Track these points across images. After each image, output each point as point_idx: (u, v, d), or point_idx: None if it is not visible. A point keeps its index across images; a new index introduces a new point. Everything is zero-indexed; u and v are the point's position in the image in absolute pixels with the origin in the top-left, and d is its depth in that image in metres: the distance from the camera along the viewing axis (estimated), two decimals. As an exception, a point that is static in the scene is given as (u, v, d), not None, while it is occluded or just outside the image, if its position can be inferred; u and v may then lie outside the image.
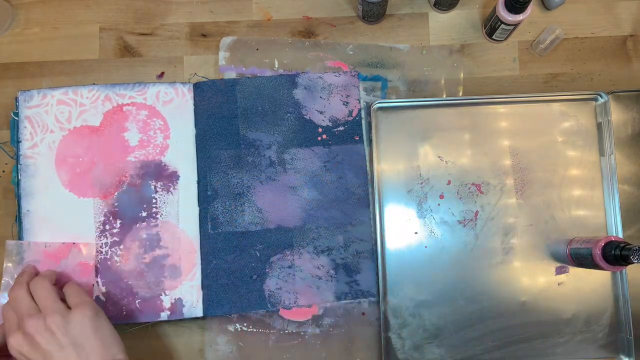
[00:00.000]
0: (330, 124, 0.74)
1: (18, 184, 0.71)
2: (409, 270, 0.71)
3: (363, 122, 0.74)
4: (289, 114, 0.74)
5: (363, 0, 0.70)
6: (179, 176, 0.72)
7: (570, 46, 0.77)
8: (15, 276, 0.67)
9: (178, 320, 0.71)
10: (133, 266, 0.70)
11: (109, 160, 0.72)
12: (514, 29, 0.72)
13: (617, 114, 0.73)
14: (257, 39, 0.76)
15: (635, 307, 0.70)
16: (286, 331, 0.71)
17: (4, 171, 0.74)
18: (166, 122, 0.73)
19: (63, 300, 0.62)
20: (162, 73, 0.76)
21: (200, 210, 0.72)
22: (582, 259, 0.66)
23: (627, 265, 0.62)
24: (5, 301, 0.64)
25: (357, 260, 0.71)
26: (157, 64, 0.76)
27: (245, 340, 0.71)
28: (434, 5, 0.76)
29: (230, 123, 0.73)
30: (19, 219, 0.71)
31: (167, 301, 0.70)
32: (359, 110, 0.74)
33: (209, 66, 0.76)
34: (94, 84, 0.74)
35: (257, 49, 0.76)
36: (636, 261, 0.59)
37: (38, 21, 0.77)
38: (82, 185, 0.71)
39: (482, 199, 0.72)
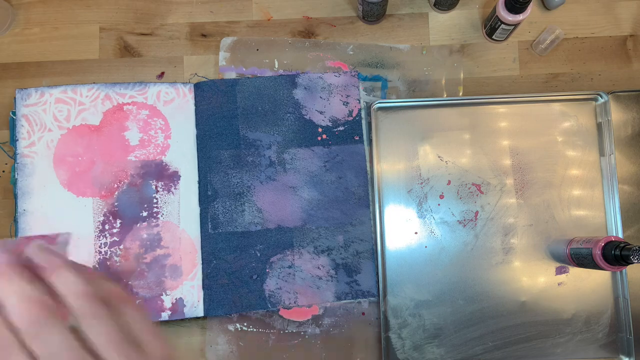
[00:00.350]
0: (330, 124, 0.74)
1: (15, 183, 0.71)
2: (409, 270, 0.71)
3: (363, 122, 0.74)
4: (289, 114, 0.74)
5: (363, 0, 0.70)
6: (180, 176, 0.72)
7: (570, 46, 0.77)
8: None
9: (178, 320, 0.71)
10: (133, 266, 0.70)
11: (109, 160, 0.72)
12: (514, 29, 0.72)
13: (617, 114, 0.73)
14: (257, 39, 0.76)
15: (635, 307, 0.70)
16: (286, 331, 0.71)
17: (3, 171, 0.74)
18: (167, 122, 0.73)
19: None
20: (162, 73, 0.76)
21: (200, 210, 0.72)
22: (582, 259, 0.66)
23: (627, 265, 0.62)
24: None
25: (357, 260, 0.71)
26: (157, 64, 0.76)
27: (246, 340, 0.71)
28: (434, 5, 0.76)
29: (230, 123, 0.73)
30: (15, 219, 0.71)
31: (168, 301, 0.70)
32: (359, 110, 0.74)
33: (209, 66, 0.76)
34: (94, 83, 0.74)
35: (257, 49, 0.76)
36: (636, 261, 0.59)
37: (38, 21, 0.76)
38: (81, 184, 0.71)
39: (482, 199, 0.72)
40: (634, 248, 0.59)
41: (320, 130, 0.73)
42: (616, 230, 0.71)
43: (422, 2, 0.77)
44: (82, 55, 0.76)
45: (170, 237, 0.71)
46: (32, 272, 0.33)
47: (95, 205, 0.71)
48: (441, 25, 0.77)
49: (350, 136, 0.73)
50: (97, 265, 0.70)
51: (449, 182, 0.73)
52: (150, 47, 0.76)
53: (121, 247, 0.71)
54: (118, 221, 0.71)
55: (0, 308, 0.31)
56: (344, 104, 0.74)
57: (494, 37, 0.75)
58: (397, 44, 0.76)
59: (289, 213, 0.72)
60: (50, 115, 0.72)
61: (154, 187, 0.72)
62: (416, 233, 0.72)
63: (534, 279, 0.71)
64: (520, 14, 0.69)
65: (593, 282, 0.71)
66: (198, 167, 0.72)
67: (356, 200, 0.72)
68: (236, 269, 0.71)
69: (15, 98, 0.72)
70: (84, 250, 0.70)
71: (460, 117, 0.73)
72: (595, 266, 0.64)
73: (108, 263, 0.70)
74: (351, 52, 0.76)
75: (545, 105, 0.74)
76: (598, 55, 0.77)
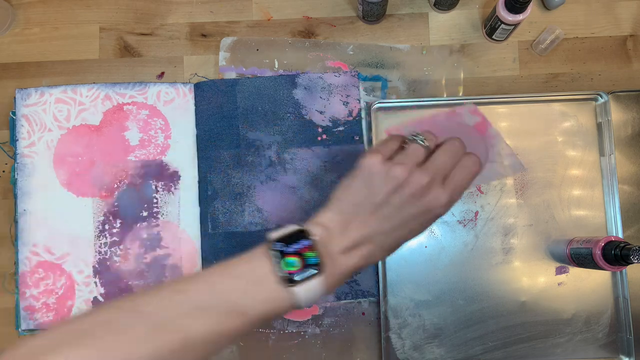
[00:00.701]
0: (330, 124, 0.74)
1: (15, 183, 0.71)
2: (409, 270, 0.71)
3: (363, 122, 0.74)
4: (289, 114, 0.74)
5: (363, 0, 0.70)
6: (180, 176, 0.72)
7: (570, 46, 0.77)
8: None
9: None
10: (133, 266, 0.70)
11: (109, 160, 0.72)
12: (514, 29, 0.72)
13: (617, 114, 0.73)
14: (257, 39, 0.76)
15: (635, 307, 0.70)
16: (286, 331, 0.71)
17: (3, 171, 0.74)
18: (167, 122, 0.73)
19: None
20: (162, 73, 0.76)
21: (200, 210, 0.72)
22: (582, 259, 0.66)
23: (627, 265, 0.62)
24: None
25: (357, 260, 0.71)
26: (157, 64, 0.76)
27: (245, 339, 0.71)
28: (434, 5, 0.76)
29: (230, 123, 0.73)
30: (15, 219, 0.71)
31: (167, 301, 0.70)
32: (359, 110, 0.74)
33: (209, 66, 0.76)
34: (93, 83, 0.74)
35: (257, 49, 0.76)
36: (636, 261, 0.59)
37: (38, 21, 0.76)
38: (81, 184, 0.71)
39: (482, 199, 0.72)
40: (634, 248, 0.59)
41: (320, 130, 0.73)
42: (616, 230, 0.71)
43: (422, 2, 0.77)
44: (82, 55, 0.76)
45: (170, 237, 0.71)
46: None
47: (95, 205, 0.71)
48: (441, 25, 0.77)
49: (350, 136, 0.73)
50: (97, 266, 0.70)
51: (449, 182, 0.72)
52: (150, 47, 0.76)
53: (121, 247, 0.71)
54: (118, 221, 0.71)
55: None
56: (344, 104, 0.74)
57: (494, 37, 0.75)
58: (397, 44, 0.76)
59: (289, 213, 0.72)
60: (50, 115, 0.72)
61: (154, 187, 0.72)
62: (416, 233, 0.72)
63: (534, 279, 0.71)
64: (520, 14, 0.69)
65: (593, 282, 0.71)
66: (198, 167, 0.72)
67: (356, 200, 0.72)
68: (236, 269, 0.71)
69: (15, 98, 0.72)
70: (84, 250, 0.70)
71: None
72: (595, 266, 0.64)
73: (108, 263, 0.70)
74: (351, 52, 0.76)
75: (545, 105, 0.74)
76: (598, 55, 0.77)
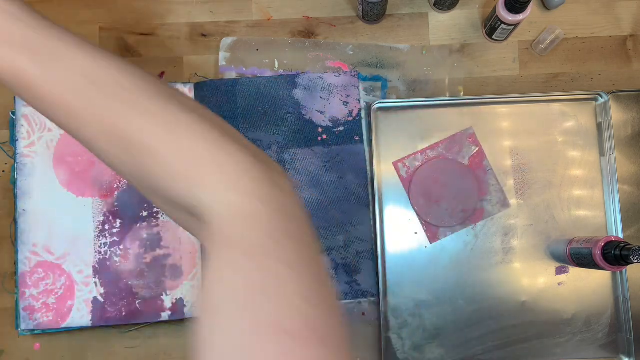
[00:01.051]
0: (330, 124, 0.74)
1: (15, 183, 0.71)
2: (409, 270, 0.71)
3: (363, 122, 0.74)
4: (289, 114, 0.73)
5: (363, 0, 0.70)
6: (179, 176, 0.72)
7: (570, 46, 0.77)
8: None
9: (178, 320, 0.71)
10: (133, 266, 0.70)
11: (108, 160, 0.72)
12: (514, 29, 0.72)
13: (617, 114, 0.73)
14: (257, 39, 0.76)
15: (635, 307, 0.70)
16: (286, 331, 0.71)
17: (3, 171, 0.74)
18: (166, 122, 0.73)
19: None
20: (162, 73, 0.76)
21: (200, 210, 0.72)
22: (582, 259, 0.66)
23: (627, 265, 0.62)
24: None
25: (357, 260, 0.71)
26: (157, 64, 0.76)
27: (246, 340, 0.71)
28: (434, 5, 0.76)
29: (230, 123, 0.72)
30: (15, 219, 0.70)
31: (168, 301, 0.70)
32: (359, 110, 0.74)
33: (209, 66, 0.76)
34: (93, 83, 0.74)
35: (257, 49, 0.76)
36: (636, 261, 0.59)
37: (38, 21, 0.76)
38: (81, 184, 0.71)
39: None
40: (634, 248, 0.59)
41: (320, 130, 0.73)
42: (616, 230, 0.71)
43: (422, 2, 0.77)
44: (82, 55, 0.76)
45: (170, 237, 0.71)
46: None
47: (95, 205, 0.71)
48: (441, 25, 0.77)
49: (350, 136, 0.73)
50: (97, 266, 0.70)
51: (449, 182, 0.73)
52: (150, 47, 0.76)
53: (121, 247, 0.71)
54: (118, 221, 0.71)
55: None
56: (344, 104, 0.74)
57: (494, 37, 0.75)
58: (397, 44, 0.76)
59: (289, 213, 0.72)
60: (50, 115, 0.72)
61: (154, 187, 0.72)
62: (416, 233, 0.72)
63: (534, 279, 0.71)
64: (520, 14, 0.69)
65: (593, 282, 0.71)
66: (198, 167, 0.72)
67: (356, 201, 0.72)
68: (236, 269, 0.70)
69: (15, 98, 0.72)
70: (84, 250, 0.70)
71: (460, 117, 0.73)
72: (595, 266, 0.64)
73: (108, 263, 0.70)
74: (351, 52, 0.76)
75: (546, 105, 0.74)
76: (598, 55, 0.77)
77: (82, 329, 0.71)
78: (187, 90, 0.74)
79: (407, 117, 0.73)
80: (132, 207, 0.71)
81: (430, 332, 0.70)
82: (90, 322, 0.69)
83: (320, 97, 0.74)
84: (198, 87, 0.74)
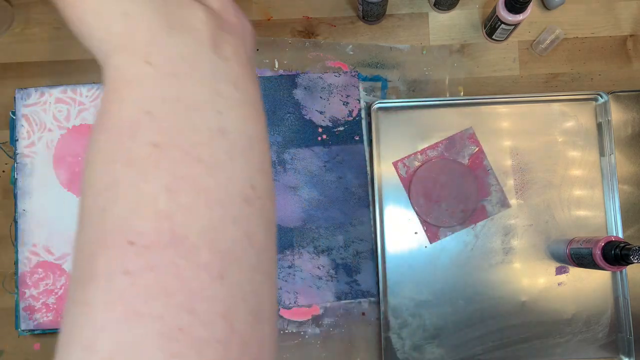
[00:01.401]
0: (330, 124, 0.74)
1: (15, 183, 0.71)
2: (409, 270, 0.71)
3: (363, 122, 0.74)
4: (289, 114, 0.73)
5: (363, 0, 0.70)
6: (179, 176, 0.72)
7: (570, 46, 0.77)
8: None
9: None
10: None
11: (108, 160, 0.72)
12: (514, 29, 0.72)
13: (617, 114, 0.73)
14: (257, 39, 0.76)
15: (635, 307, 0.70)
16: (286, 331, 0.71)
17: (3, 171, 0.74)
18: (166, 122, 0.73)
19: None
20: (162, 73, 0.76)
21: (200, 210, 0.72)
22: (582, 259, 0.66)
23: (627, 265, 0.62)
24: None
25: (357, 260, 0.71)
26: (157, 63, 0.76)
27: (245, 340, 0.71)
28: (434, 5, 0.76)
29: (230, 123, 0.73)
30: (15, 219, 0.70)
31: (167, 301, 0.70)
32: (359, 110, 0.74)
33: (209, 66, 0.76)
34: (94, 83, 0.74)
35: (257, 50, 0.76)
36: (636, 261, 0.59)
37: (38, 21, 0.76)
38: (82, 185, 0.71)
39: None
40: (634, 248, 0.59)
41: (320, 130, 0.73)
42: (616, 230, 0.71)
43: (422, 2, 0.77)
44: (82, 55, 0.76)
45: (170, 237, 0.71)
46: None
47: (95, 205, 0.71)
48: (441, 25, 0.77)
49: (350, 136, 0.73)
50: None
51: (449, 182, 0.73)
52: (150, 47, 0.76)
53: (121, 247, 0.71)
54: (118, 221, 0.71)
55: None
56: (344, 104, 0.74)
57: (494, 37, 0.75)
58: (397, 44, 0.76)
59: (289, 213, 0.72)
60: (50, 115, 0.72)
61: (154, 187, 0.72)
62: (416, 233, 0.72)
63: (534, 279, 0.71)
64: (520, 14, 0.69)
65: (593, 282, 0.71)
66: (198, 167, 0.72)
67: (356, 200, 0.72)
68: (236, 269, 0.70)
69: (15, 98, 0.72)
70: (84, 250, 0.70)
71: (460, 117, 0.73)
72: (595, 266, 0.64)
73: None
74: (351, 52, 0.76)
75: (546, 105, 0.74)
76: (598, 55, 0.77)
77: (82, 329, 0.71)
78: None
79: (407, 117, 0.73)
80: (132, 207, 0.71)
81: (430, 332, 0.70)
82: (90, 322, 0.69)
83: (320, 97, 0.74)
84: (198, 87, 0.74)
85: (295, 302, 0.70)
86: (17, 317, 0.70)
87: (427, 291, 0.71)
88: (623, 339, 0.70)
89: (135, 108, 0.26)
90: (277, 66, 0.75)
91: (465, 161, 0.72)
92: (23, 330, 0.69)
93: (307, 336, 0.71)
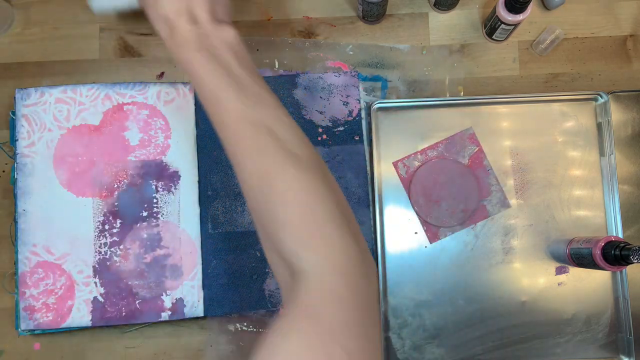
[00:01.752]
0: (330, 124, 0.74)
1: (15, 183, 0.71)
2: (409, 270, 0.71)
3: (363, 122, 0.74)
4: (289, 114, 0.73)
5: (363, 0, 0.70)
6: (180, 176, 0.72)
7: (570, 46, 0.77)
8: None
9: (178, 320, 0.71)
10: (133, 266, 0.70)
11: (109, 160, 0.72)
12: (514, 29, 0.72)
13: (617, 114, 0.73)
14: (257, 39, 0.76)
15: (635, 307, 0.70)
16: (286, 331, 0.71)
17: (4, 171, 0.74)
18: (167, 122, 0.73)
19: None
20: (162, 73, 0.76)
21: (200, 210, 0.72)
22: (582, 259, 0.66)
23: (627, 265, 0.62)
24: None
25: (357, 260, 0.71)
26: (157, 64, 0.76)
27: (246, 339, 0.71)
28: (434, 5, 0.76)
29: (230, 123, 0.73)
30: (15, 219, 0.70)
31: (168, 301, 0.70)
32: (359, 110, 0.74)
33: (209, 66, 0.76)
34: (93, 83, 0.74)
35: (257, 50, 0.76)
36: (636, 261, 0.59)
37: (38, 21, 0.76)
38: (81, 184, 0.71)
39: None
40: (634, 248, 0.59)
41: (320, 130, 0.73)
42: (616, 230, 0.71)
43: (422, 2, 0.77)
44: (82, 55, 0.76)
45: (170, 237, 0.71)
46: None
47: (95, 205, 0.71)
48: (441, 25, 0.77)
49: (350, 136, 0.73)
50: (97, 266, 0.70)
51: (449, 182, 0.73)
52: (150, 47, 0.76)
53: (121, 247, 0.71)
54: (118, 221, 0.71)
55: None
56: (344, 104, 0.74)
57: (494, 37, 0.75)
58: (397, 44, 0.76)
59: (289, 213, 0.72)
60: (50, 115, 0.72)
61: (154, 187, 0.72)
62: (416, 233, 0.72)
63: (534, 279, 0.71)
64: (520, 14, 0.69)
65: (593, 282, 0.71)
66: (198, 167, 0.72)
67: (356, 200, 0.72)
68: (236, 269, 0.71)
69: (15, 98, 0.72)
70: (84, 250, 0.70)
71: (460, 117, 0.73)
72: (595, 266, 0.64)
73: (108, 263, 0.70)
74: (351, 52, 0.76)
75: (546, 105, 0.74)
76: (598, 55, 0.77)
77: (82, 329, 0.71)
78: (188, 91, 0.74)
79: (407, 117, 0.73)
80: (132, 207, 0.71)
81: (430, 332, 0.70)
82: (90, 322, 0.69)
83: (320, 97, 0.74)
84: (198, 87, 0.74)
85: (295, 302, 0.70)
86: (17, 317, 0.70)
87: (427, 291, 0.71)
88: (623, 339, 0.70)
89: None
90: (277, 66, 0.75)
91: (465, 161, 0.72)
92: (23, 330, 0.69)
93: (307, 336, 0.71)
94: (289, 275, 0.43)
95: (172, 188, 0.72)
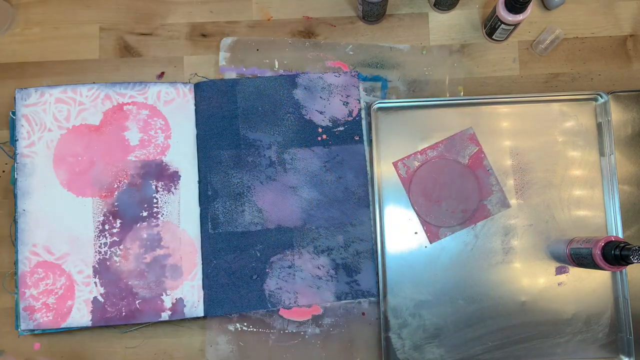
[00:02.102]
0: (330, 124, 0.74)
1: (15, 183, 0.71)
2: (409, 270, 0.71)
3: (363, 122, 0.74)
4: (289, 114, 0.74)
5: (363, 1, 0.70)
6: (180, 176, 0.72)
7: (570, 46, 0.77)
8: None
9: (178, 320, 0.71)
10: (133, 266, 0.70)
11: (109, 160, 0.72)
12: (514, 29, 0.72)
13: (617, 114, 0.73)
14: (257, 39, 0.76)
15: (635, 307, 0.70)
16: (286, 331, 0.71)
17: (4, 171, 0.74)
18: (167, 122, 0.73)
19: None
20: (162, 73, 0.76)
21: (200, 210, 0.72)
22: (582, 259, 0.66)
23: (627, 265, 0.62)
24: None
25: (357, 260, 0.71)
26: (157, 64, 0.76)
27: (246, 339, 0.71)
28: (434, 5, 0.76)
29: (230, 123, 0.73)
30: (15, 219, 0.71)
31: (168, 301, 0.70)
32: (359, 110, 0.74)
33: (209, 66, 0.76)
34: (93, 83, 0.74)
35: (257, 50, 0.76)
36: (636, 261, 0.59)
37: (38, 21, 0.76)
38: (81, 184, 0.71)
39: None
40: (634, 248, 0.59)
41: (320, 130, 0.73)
42: (616, 230, 0.71)
43: (422, 2, 0.77)
44: (82, 55, 0.76)
45: (170, 237, 0.71)
46: None
47: (95, 205, 0.71)
48: (441, 25, 0.77)
49: (350, 136, 0.73)
50: (97, 266, 0.70)
51: (449, 182, 0.73)
52: (150, 47, 0.76)
53: (121, 247, 0.71)
54: (118, 221, 0.71)
55: None
56: (344, 104, 0.74)
57: (494, 37, 0.75)
58: (397, 44, 0.76)
59: (289, 213, 0.72)
60: (50, 115, 0.72)
61: (154, 187, 0.72)
62: (416, 233, 0.72)
63: (534, 279, 0.71)
64: (520, 14, 0.69)
65: (593, 282, 0.71)
66: (198, 167, 0.72)
67: (356, 200, 0.72)
68: (236, 269, 0.71)
69: (15, 98, 0.72)
70: (84, 250, 0.70)
71: (460, 117, 0.73)
72: (595, 266, 0.64)
73: (108, 263, 0.70)
74: (351, 52, 0.76)
75: (546, 105, 0.74)
76: (598, 55, 0.77)
77: (82, 329, 0.71)
78: (188, 90, 0.74)
79: (407, 117, 0.74)
80: (132, 207, 0.71)
81: (430, 332, 0.70)
82: (90, 322, 0.69)
83: (320, 97, 0.74)
84: (198, 87, 0.74)
85: (295, 302, 0.70)
86: (17, 317, 0.70)
87: (427, 291, 0.71)
88: (623, 339, 0.70)
89: None
90: (277, 66, 0.75)
91: (465, 161, 0.72)
92: (23, 330, 0.69)
93: (307, 336, 0.71)
94: None
95: (172, 188, 0.72)
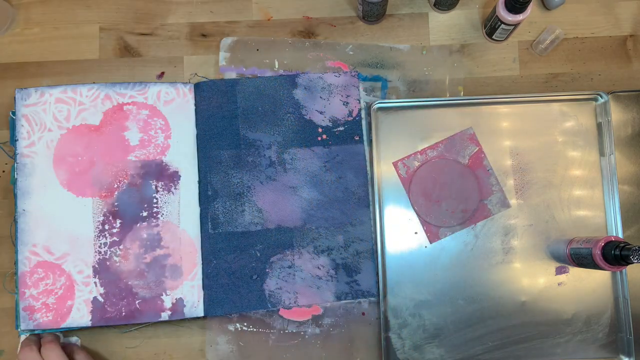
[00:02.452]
0: (330, 124, 0.74)
1: (15, 183, 0.71)
2: (409, 270, 0.71)
3: (363, 122, 0.74)
4: (289, 114, 0.74)
5: (363, 0, 0.70)
6: (180, 176, 0.72)
7: (570, 46, 0.77)
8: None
9: (178, 320, 0.71)
10: (133, 266, 0.70)
11: (109, 160, 0.72)
12: (514, 29, 0.72)
13: (617, 114, 0.73)
14: (257, 39, 0.76)
15: (635, 307, 0.70)
16: (286, 331, 0.71)
17: (4, 171, 0.74)
18: (167, 122, 0.73)
19: None
20: (162, 73, 0.76)
21: (200, 210, 0.72)
22: (582, 259, 0.66)
23: (627, 265, 0.62)
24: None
25: (357, 260, 0.71)
26: (157, 64, 0.76)
27: (246, 339, 0.71)
28: (434, 5, 0.76)
29: (230, 123, 0.73)
30: (15, 219, 0.71)
31: (168, 301, 0.70)
32: (359, 110, 0.74)
33: (209, 66, 0.76)
34: (93, 83, 0.74)
35: (257, 50, 0.76)
36: (636, 261, 0.59)
37: (38, 21, 0.76)
38: (81, 184, 0.71)
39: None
40: (634, 248, 0.59)
41: (320, 130, 0.73)
42: (616, 230, 0.71)
43: (422, 2, 0.77)
44: (82, 55, 0.76)
45: (170, 237, 0.71)
46: None
47: (95, 205, 0.71)
48: (441, 25, 0.77)
49: (350, 136, 0.73)
50: (96, 266, 0.70)
51: (449, 182, 0.73)
52: (150, 47, 0.76)
53: (121, 247, 0.71)
54: (118, 221, 0.71)
55: None
56: (344, 104, 0.74)
57: (494, 37, 0.75)
58: (397, 44, 0.76)
59: (289, 213, 0.72)
60: (50, 115, 0.72)
61: (154, 187, 0.72)
62: (416, 233, 0.72)
63: (534, 279, 0.71)
64: (520, 14, 0.69)
65: (593, 282, 0.71)
66: (198, 167, 0.72)
67: (356, 200, 0.72)
68: (236, 269, 0.71)
69: (15, 98, 0.72)
70: (84, 250, 0.70)
71: (460, 117, 0.73)
72: (595, 266, 0.64)
73: (108, 263, 0.70)
74: (351, 52, 0.76)
75: (545, 105, 0.74)
76: (598, 55, 0.77)
77: (81, 329, 0.71)
78: (187, 90, 0.74)
79: (407, 117, 0.74)
80: (132, 207, 0.71)
81: (430, 332, 0.70)
82: (90, 322, 0.69)
83: (320, 97, 0.74)
84: (198, 87, 0.74)
85: (295, 302, 0.70)
86: (17, 317, 0.70)
87: (427, 291, 0.71)
88: (623, 339, 0.70)
89: None
90: (277, 66, 0.75)
91: (465, 161, 0.72)
92: (23, 330, 0.69)
93: (307, 336, 0.71)
94: None
95: (172, 188, 0.72)
